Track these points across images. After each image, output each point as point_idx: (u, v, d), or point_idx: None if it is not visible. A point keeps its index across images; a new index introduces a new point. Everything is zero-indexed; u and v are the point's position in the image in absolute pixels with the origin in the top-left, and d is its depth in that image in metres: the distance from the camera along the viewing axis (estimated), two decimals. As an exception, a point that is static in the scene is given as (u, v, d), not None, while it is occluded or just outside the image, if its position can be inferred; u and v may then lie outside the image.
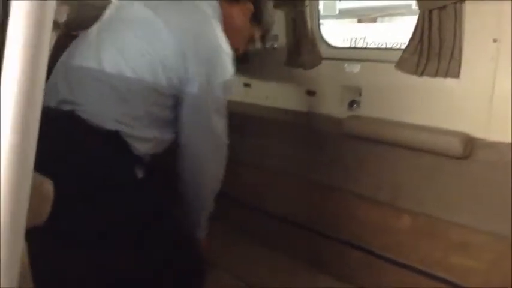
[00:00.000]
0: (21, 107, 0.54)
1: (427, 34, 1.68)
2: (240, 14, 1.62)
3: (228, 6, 1.58)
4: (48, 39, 0.57)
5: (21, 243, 0.56)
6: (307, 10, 2.08)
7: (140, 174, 1.41)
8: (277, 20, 2.19)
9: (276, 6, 2.16)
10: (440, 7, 1.62)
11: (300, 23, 2.10)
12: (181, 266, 1.47)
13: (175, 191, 1.55)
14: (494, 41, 1.52)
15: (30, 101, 0.54)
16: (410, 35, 1.74)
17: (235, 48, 1.57)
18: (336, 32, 7.58)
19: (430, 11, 1.65)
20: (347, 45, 7.40)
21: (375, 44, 7.42)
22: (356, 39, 7.82)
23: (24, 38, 0.54)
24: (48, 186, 0.71)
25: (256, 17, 1.67)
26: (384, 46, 7.07)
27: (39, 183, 0.65)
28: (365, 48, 2.11)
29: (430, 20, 1.66)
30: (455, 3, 1.59)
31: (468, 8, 1.58)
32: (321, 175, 2.05)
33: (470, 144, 1.57)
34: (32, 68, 0.54)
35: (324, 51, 2.10)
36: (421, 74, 1.71)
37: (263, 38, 1.83)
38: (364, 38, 7.86)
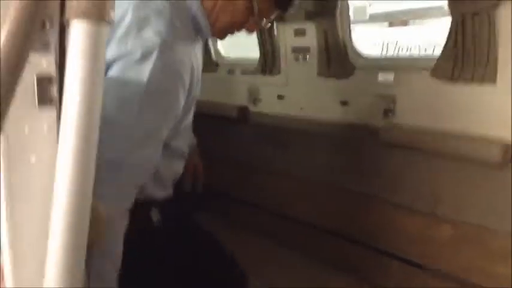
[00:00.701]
0: (81, 137, 0.59)
1: (460, 40, 1.67)
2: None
3: None
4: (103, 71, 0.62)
5: (82, 265, 0.60)
6: (338, 21, 2.10)
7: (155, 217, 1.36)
8: (309, 31, 2.23)
9: (307, 17, 2.20)
10: (473, 12, 1.61)
11: (331, 34, 2.12)
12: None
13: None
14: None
15: (88, 133, 0.59)
16: (444, 41, 1.74)
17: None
18: (367, 37, 7.54)
19: (463, 17, 1.64)
20: (379, 50, 7.36)
21: (407, 48, 7.33)
22: (388, 43, 7.76)
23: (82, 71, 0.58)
24: (102, 207, 0.75)
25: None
26: (416, 50, 6.99)
27: (94, 206, 0.70)
28: (397, 57, 2.10)
29: (463, 25, 1.65)
30: (488, 7, 1.58)
31: (501, 12, 1.56)
32: (358, 184, 2.06)
33: (510, 152, 1.55)
34: (90, 99, 0.59)
35: (356, 61, 2.11)
36: (457, 81, 1.70)
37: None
38: (396, 42, 7.79)
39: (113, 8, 0.60)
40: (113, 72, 1.13)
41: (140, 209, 1.20)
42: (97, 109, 0.61)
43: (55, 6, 0.61)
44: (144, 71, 1.12)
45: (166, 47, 1.15)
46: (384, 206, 1.94)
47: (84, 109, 0.60)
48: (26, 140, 0.63)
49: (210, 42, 2.87)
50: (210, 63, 2.84)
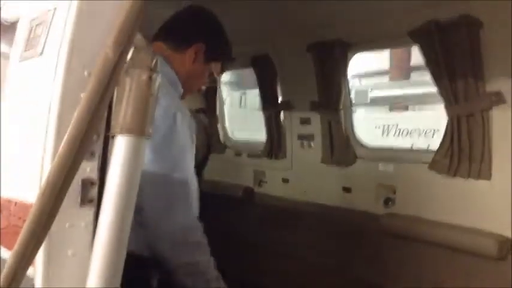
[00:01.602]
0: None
1: (456, 138, 1.79)
2: (190, 59, 1.48)
3: (173, 54, 1.48)
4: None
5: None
6: (341, 113, 2.23)
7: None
8: (314, 120, 2.36)
9: (312, 107, 2.34)
10: (468, 113, 1.74)
11: (334, 124, 2.25)
12: None
13: None
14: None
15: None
16: (441, 139, 1.86)
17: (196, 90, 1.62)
18: (369, 120, 7.79)
19: (459, 117, 1.77)
20: (380, 132, 7.59)
21: (407, 132, 7.56)
22: (388, 126, 7.99)
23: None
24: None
25: (210, 54, 1.51)
26: (416, 134, 7.23)
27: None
28: (397, 149, 2.23)
29: (459, 125, 1.78)
30: (482, 109, 1.70)
31: (495, 113, 1.68)
32: (358, 270, 2.09)
33: (506, 246, 1.60)
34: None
35: (358, 151, 2.22)
36: (454, 175, 1.79)
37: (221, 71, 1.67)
38: (397, 125, 8.01)
39: (151, 123, 0.70)
40: None
41: None
42: (130, 210, 0.70)
43: (103, 121, 0.71)
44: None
45: None
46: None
47: (120, 209, 0.69)
48: (65, 235, 0.70)
49: (219, 125, 3.02)
50: (218, 144, 2.96)
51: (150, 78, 0.69)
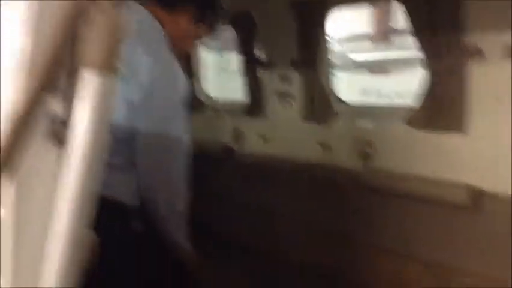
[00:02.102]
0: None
1: (434, 92, 1.81)
2: (181, 20, 1.54)
3: (166, 15, 1.52)
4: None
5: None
6: (320, 70, 2.23)
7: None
8: (293, 77, 2.36)
9: (292, 64, 2.33)
10: (445, 68, 1.75)
11: (314, 82, 2.25)
12: None
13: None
14: (497, 98, 1.63)
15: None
16: (419, 93, 1.88)
17: (183, 52, 1.64)
18: (349, 84, 7.80)
19: (436, 72, 1.78)
20: (360, 96, 7.63)
21: (388, 95, 7.62)
22: (369, 90, 8.03)
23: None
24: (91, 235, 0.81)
25: (199, 16, 1.56)
26: (395, 99, 7.30)
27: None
28: (376, 105, 2.25)
29: (437, 80, 1.79)
30: (459, 64, 1.72)
31: (471, 68, 1.70)
32: (338, 225, 2.13)
33: (477, 196, 1.65)
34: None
35: (337, 108, 2.23)
36: (430, 130, 1.83)
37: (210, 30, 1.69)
38: (377, 90, 8.06)
39: (119, 59, 0.69)
40: None
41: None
42: (99, 149, 0.69)
43: (69, 54, 0.69)
44: None
45: None
46: (362, 247, 2.01)
47: (88, 149, 0.68)
48: (31, 174, 0.69)
49: (197, 83, 2.99)
50: (197, 103, 2.94)
51: (117, 10, 0.67)
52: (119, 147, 1.42)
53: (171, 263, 1.61)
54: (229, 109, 2.84)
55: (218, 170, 2.76)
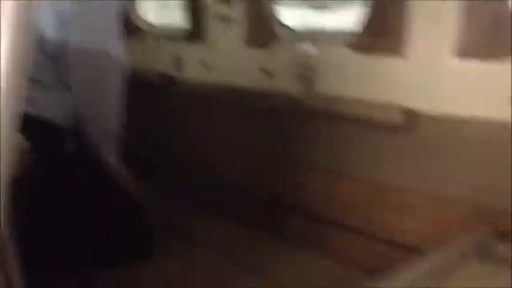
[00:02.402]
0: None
1: (374, 16, 1.82)
2: None
3: None
4: None
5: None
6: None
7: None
8: (235, 1, 2.28)
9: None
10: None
11: (256, 5, 2.19)
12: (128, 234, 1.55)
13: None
14: (437, 22, 1.67)
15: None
16: (359, 17, 1.88)
17: None
18: (289, 18, 7.71)
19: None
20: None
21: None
22: (309, 24, 8.03)
23: None
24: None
25: None
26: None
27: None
28: (319, 30, 2.23)
29: (379, 3, 1.81)
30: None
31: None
32: (279, 150, 2.16)
33: (412, 117, 1.72)
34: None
35: (279, 32, 2.20)
36: (370, 53, 1.85)
37: None
38: (317, 25, 8.08)
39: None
40: None
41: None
42: (22, 65, 0.63)
43: None
44: None
45: None
46: (302, 169, 2.07)
47: (10, 65, 0.63)
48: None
49: (134, 7, 2.84)
50: (134, 28, 2.80)
51: None
52: (49, 64, 1.34)
53: (108, 185, 1.58)
54: (169, 35, 2.73)
55: (157, 98, 2.69)
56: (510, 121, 1.51)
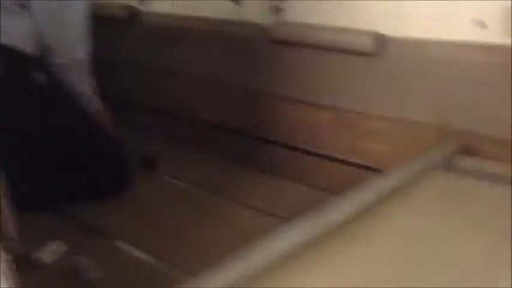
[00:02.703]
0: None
1: None
2: None
3: None
4: None
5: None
6: None
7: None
8: None
9: None
10: None
11: None
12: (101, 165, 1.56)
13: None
14: None
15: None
16: None
17: None
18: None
19: None
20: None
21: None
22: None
23: None
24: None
25: None
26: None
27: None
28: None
29: None
30: None
31: None
32: (248, 81, 2.17)
33: (382, 42, 1.74)
34: None
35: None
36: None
37: None
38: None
39: None
40: None
41: None
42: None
43: None
44: None
45: None
46: (272, 99, 2.09)
47: None
48: None
49: None
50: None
51: None
52: None
53: (80, 116, 1.57)
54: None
55: (123, 32, 2.63)
56: (474, 42, 1.55)
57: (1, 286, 0.64)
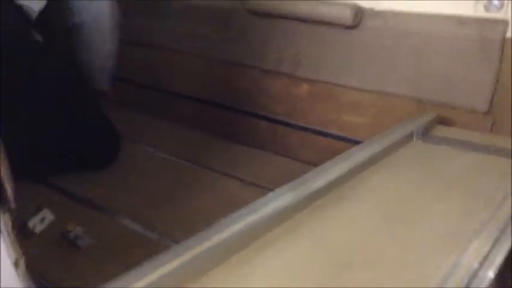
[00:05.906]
0: None
1: None
2: None
3: None
4: None
5: None
6: None
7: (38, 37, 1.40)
8: None
9: None
10: None
11: None
12: (93, 135, 1.55)
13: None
14: None
15: None
16: None
17: None
18: None
19: None
20: None
21: None
22: None
23: None
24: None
25: None
26: None
27: None
28: None
29: None
30: None
31: None
32: (225, 52, 2.17)
33: (360, 14, 1.77)
34: None
35: None
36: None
37: None
38: None
39: None
40: None
41: None
42: None
43: None
44: None
45: None
46: (252, 71, 2.10)
47: None
48: None
49: None
50: None
51: None
52: None
53: (74, 82, 1.55)
54: None
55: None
56: (451, 15, 1.60)
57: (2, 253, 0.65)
